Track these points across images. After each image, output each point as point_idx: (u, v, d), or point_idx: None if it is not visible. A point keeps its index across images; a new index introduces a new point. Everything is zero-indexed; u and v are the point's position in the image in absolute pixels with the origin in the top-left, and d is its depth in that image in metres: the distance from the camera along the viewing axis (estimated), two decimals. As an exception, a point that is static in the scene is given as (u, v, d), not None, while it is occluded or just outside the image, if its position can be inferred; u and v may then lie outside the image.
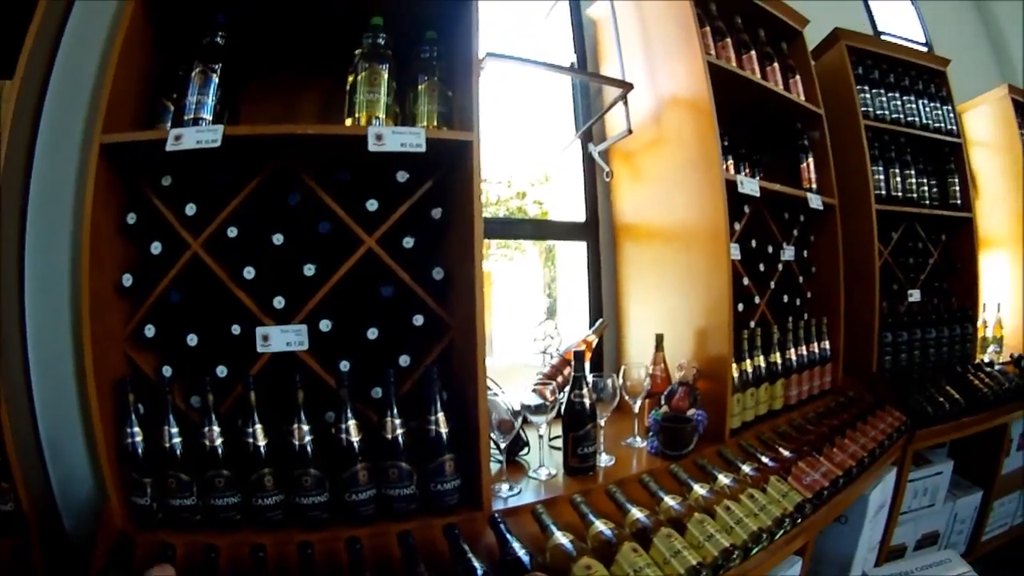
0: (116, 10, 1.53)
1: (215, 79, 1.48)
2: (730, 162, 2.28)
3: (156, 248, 1.47)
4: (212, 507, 1.33)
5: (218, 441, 1.34)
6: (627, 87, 2.00)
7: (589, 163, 2.35)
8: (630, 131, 2.02)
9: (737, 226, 2.08)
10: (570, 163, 2.43)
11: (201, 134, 1.36)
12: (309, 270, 1.46)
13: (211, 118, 1.46)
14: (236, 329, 1.45)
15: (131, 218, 1.47)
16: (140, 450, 1.33)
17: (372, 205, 1.48)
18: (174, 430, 1.35)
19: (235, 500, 1.33)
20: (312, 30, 1.66)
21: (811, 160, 2.42)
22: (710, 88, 1.92)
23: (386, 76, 1.49)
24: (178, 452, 1.33)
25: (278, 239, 1.45)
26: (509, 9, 2.10)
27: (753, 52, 2.25)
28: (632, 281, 2.26)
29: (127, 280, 1.44)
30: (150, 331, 1.46)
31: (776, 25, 2.42)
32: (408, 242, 1.50)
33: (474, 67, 1.50)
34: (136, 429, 1.34)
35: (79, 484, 1.54)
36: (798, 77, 2.43)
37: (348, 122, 1.48)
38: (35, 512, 1.35)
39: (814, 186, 2.39)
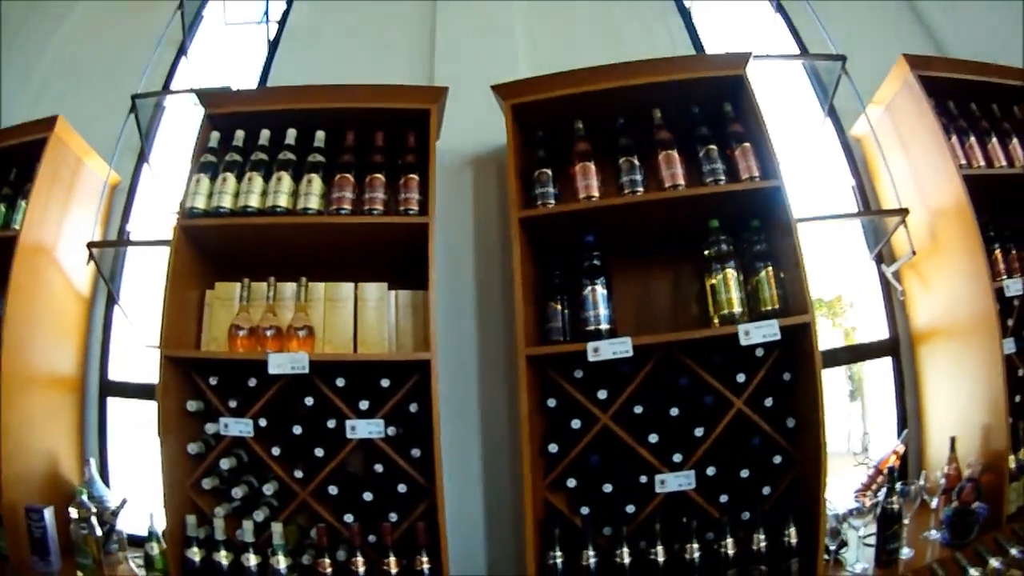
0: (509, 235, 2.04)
1: (602, 291, 1.96)
2: (998, 253, 2.33)
3: (576, 423, 1.96)
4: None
5: (627, 559, 1.85)
6: (904, 213, 2.26)
7: (884, 282, 2.56)
8: (914, 253, 2.28)
9: (1009, 321, 2.20)
10: (860, 282, 2.68)
11: (614, 346, 1.86)
12: (699, 431, 1.91)
13: (609, 327, 1.94)
14: (643, 479, 1.93)
15: (551, 402, 1.99)
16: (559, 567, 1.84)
17: (740, 378, 1.90)
18: (591, 552, 1.85)
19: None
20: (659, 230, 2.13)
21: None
22: (969, 199, 2.10)
23: (734, 275, 1.91)
24: (592, 569, 1.84)
25: (674, 411, 1.91)
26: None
27: (994, 138, 2.35)
28: (928, 387, 2.45)
29: (553, 448, 1.96)
30: (571, 482, 1.96)
31: (1000, 90, 2.45)
32: (768, 401, 1.92)
33: (798, 251, 1.87)
34: (558, 552, 1.86)
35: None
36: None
37: (715, 320, 1.92)
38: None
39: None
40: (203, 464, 1.99)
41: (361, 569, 1.86)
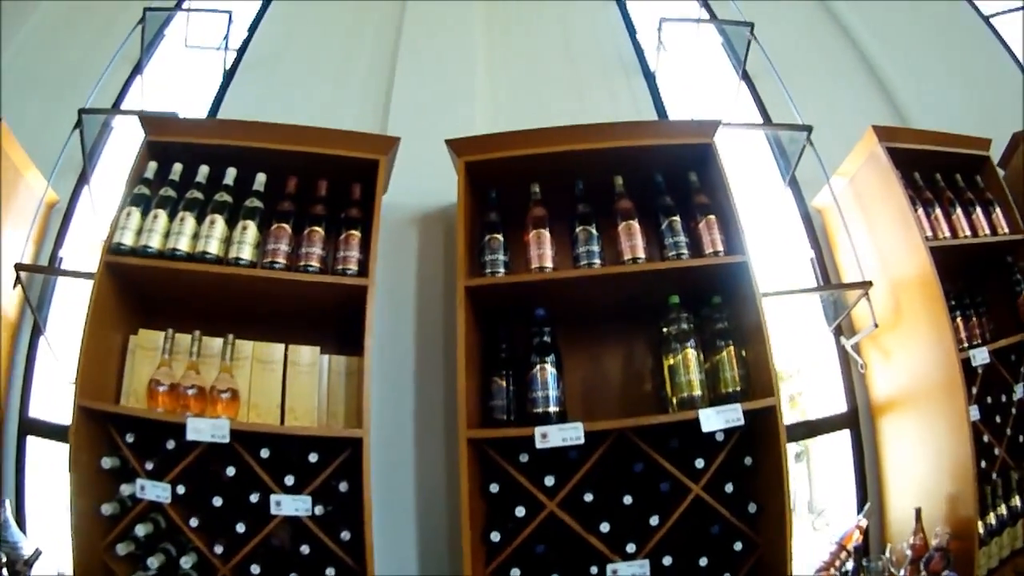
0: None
1: (552, 371, 1.83)
2: (959, 321, 2.34)
3: (520, 511, 1.78)
4: None
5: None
6: (867, 286, 2.20)
7: (842, 354, 2.51)
8: (876, 325, 2.22)
9: (974, 389, 2.16)
10: (816, 354, 2.62)
11: (565, 432, 1.71)
12: (654, 520, 1.76)
13: (558, 409, 1.80)
14: (594, 569, 1.76)
15: (494, 487, 1.82)
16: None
17: (699, 463, 1.77)
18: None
19: None
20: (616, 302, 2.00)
21: (1030, 289, 2.47)
22: (935, 270, 2.07)
23: (694, 355, 1.80)
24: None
25: (627, 500, 1.77)
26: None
27: (958, 208, 2.37)
28: (889, 458, 2.40)
29: (495, 536, 1.78)
30: (515, 573, 1.73)
31: (963, 161, 2.49)
32: (728, 487, 1.79)
33: (764, 329, 1.77)
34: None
35: None
36: (998, 209, 2.52)
37: (674, 403, 1.80)
38: None
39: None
40: (118, 527, 1.78)
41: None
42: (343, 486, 1.80)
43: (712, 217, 1.93)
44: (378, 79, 2.71)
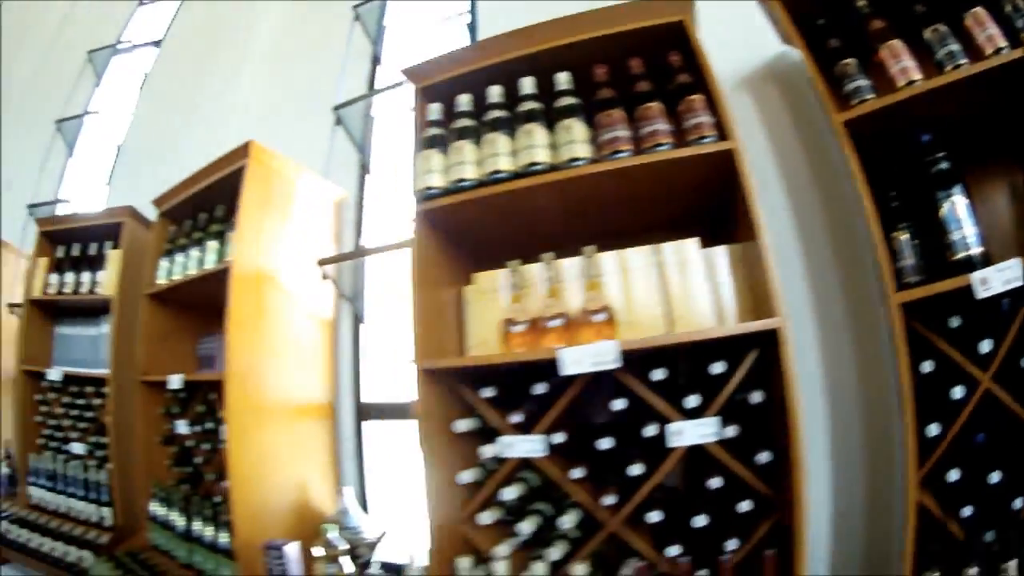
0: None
1: (964, 202, 1.50)
2: None
3: (957, 392, 1.45)
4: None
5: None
6: None
7: None
8: None
9: None
10: None
11: (1004, 273, 1.35)
12: None
13: (982, 250, 1.48)
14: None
15: (926, 366, 1.48)
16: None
17: None
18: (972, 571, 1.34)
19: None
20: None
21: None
22: None
23: None
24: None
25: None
26: None
27: None
28: None
29: (934, 429, 1.44)
30: (953, 475, 1.42)
31: None
32: None
33: None
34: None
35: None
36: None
37: None
38: None
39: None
40: (479, 495, 1.63)
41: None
42: (756, 396, 1.50)
43: None
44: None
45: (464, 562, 1.54)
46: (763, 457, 1.47)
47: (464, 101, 1.73)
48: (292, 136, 2.44)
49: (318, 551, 1.87)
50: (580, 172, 1.54)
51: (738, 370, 1.49)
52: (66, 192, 4.23)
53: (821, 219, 1.81)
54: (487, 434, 1.65)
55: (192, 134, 3.44)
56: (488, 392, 1.62)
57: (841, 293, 1.77)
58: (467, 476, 1.61)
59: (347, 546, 1.92)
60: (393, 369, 2.51)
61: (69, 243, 3.12)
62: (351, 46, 2.91)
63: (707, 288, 1.59)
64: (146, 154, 3.76)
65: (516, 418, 1.56)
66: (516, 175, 1.59)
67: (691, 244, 1.63)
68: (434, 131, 1.70)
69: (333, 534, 1.91)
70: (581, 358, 1.43)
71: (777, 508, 1.45)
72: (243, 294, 2.11)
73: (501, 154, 1.60)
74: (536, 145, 1.57)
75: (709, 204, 1.63)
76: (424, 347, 1.59)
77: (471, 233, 1.80)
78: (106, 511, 2.66)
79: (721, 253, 1.61)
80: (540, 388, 1.58)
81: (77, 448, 2.87)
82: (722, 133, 1.51)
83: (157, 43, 4.26)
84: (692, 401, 1.48)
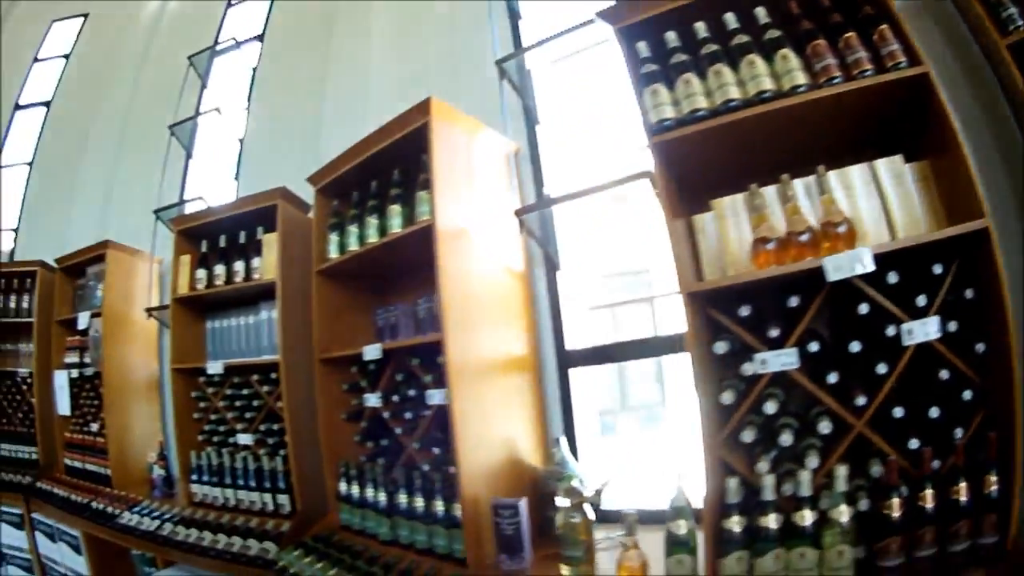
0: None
1: None
2: None
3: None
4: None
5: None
6: None
7: None
8: None
9: None
10: None
11: None
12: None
13: None
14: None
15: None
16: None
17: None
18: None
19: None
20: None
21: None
22: None
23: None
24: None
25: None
26: None
27: None
28: None
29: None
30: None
31: None
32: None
33: None
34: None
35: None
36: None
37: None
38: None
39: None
40: (736, 415, 1.70)
41: (930, 504, 1.49)
42: (969, 293, 1.67)
43: None
44: None
45: (732, 482, 1.58)
46: (979, 347, 1.61)
47: (671, 38, 1.76)
48: (445, 95, 2.30)
49: (563, 502, 1.82)
50: (804, 98, 1.63)
51: (951, 270, 1.66)
52: (191, 192, 4.29)
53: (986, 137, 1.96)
54: (737, 355, 1.70)
55: (323, 115, 3.55)
56: (744, 311, 1.69)
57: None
58: (726, 397, 1.66)
59: (587, 493, 1.89)
60: (589, 315, 2.51)
61: (213, 237, 3.07)
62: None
63: (916, 200, 1.74)
64: (274, 142, 3.83)
65: (774, 332, 1.64)
66: (747, 103, 1.65)
67: (894, 161, 1.76)
68: (651, 67, 1.72)
69: (576, 482, 1.87)
70: (842, 264, 1.54)
71: (990, 396, 1.59)
72: (447, 252, 2.07)
73: (729, 84, 1.65)
74: (760, 74, 1.65)
75: (900, 124, 1.77)
76: (683, 273, 1.62)
77: (695, 165, 1.84)
78: (283, 498, 2.58)
79: (917, 168, 1.74)
80: (793, 301, 1.66)
81: (244, 439, 2.83)
82: (913, 59, 1.66)
83: (259, 37, 4.40)
84: (921, 301, 1.63)
